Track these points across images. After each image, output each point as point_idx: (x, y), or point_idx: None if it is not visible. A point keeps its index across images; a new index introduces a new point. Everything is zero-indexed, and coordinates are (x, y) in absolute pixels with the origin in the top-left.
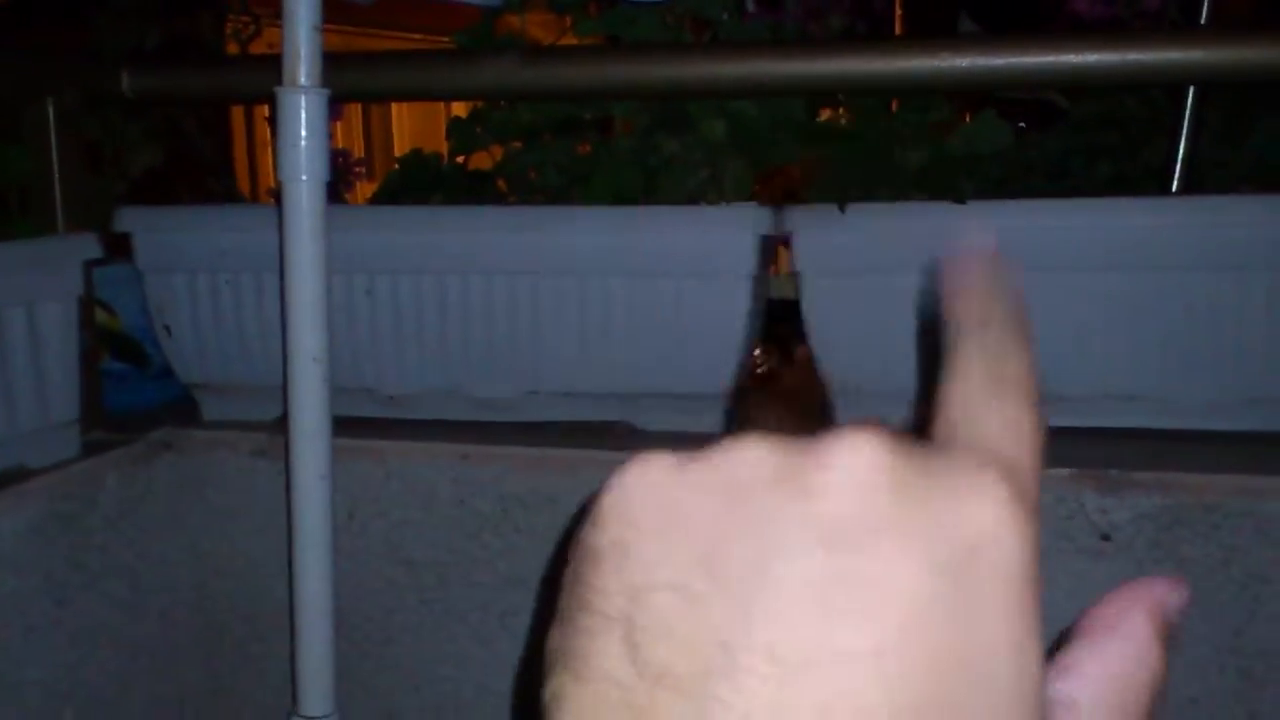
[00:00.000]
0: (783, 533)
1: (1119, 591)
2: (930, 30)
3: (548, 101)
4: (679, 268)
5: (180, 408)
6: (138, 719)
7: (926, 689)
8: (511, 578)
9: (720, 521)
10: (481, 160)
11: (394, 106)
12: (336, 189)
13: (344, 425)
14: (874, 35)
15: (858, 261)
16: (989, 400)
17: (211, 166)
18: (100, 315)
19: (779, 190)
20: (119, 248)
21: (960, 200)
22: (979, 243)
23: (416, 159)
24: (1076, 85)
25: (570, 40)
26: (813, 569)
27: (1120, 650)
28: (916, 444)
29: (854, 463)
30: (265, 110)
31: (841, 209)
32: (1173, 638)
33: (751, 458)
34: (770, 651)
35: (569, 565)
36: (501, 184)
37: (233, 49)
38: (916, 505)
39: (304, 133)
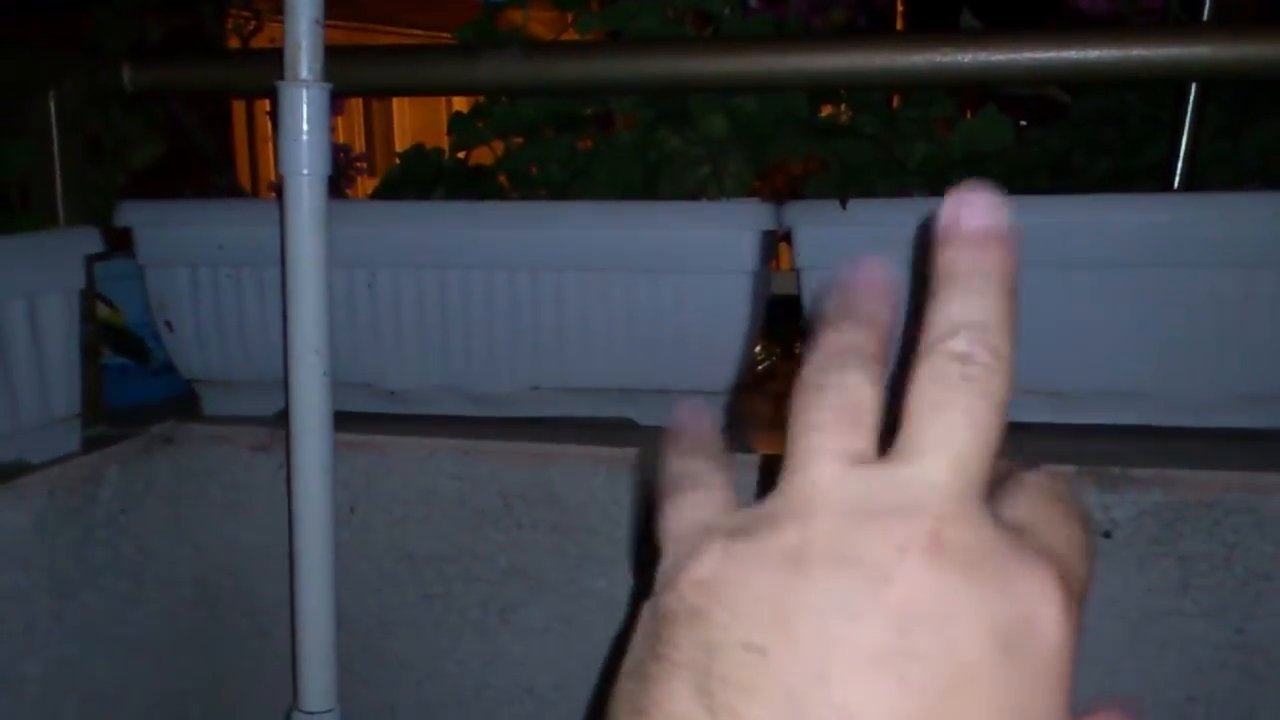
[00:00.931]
0: (853, 607)
1: (1100, 714)
2: (932, 25)
3: (549, 97)
4: (680, 263)
5: (181, 402)
6: (139, 714)
7: None
8: (512, 573)
9: (791, 591)
10: (483, 155)
11: (395, 102)
12: (338, 184)
13: (345, 420)
14: (876, 30)
15: (858, 257)
16: (1055, 516)
17: (213, 161)
18: (101, 310)
19: (780, 186)
20: (120, 242)
21: None
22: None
23: (418, 154)
24: (1078, 81)
25: (571, 36)
26: (881, 641)
27: None
28: (982, 522)
29: (920, 546)
30: (266, 105)
31: (843, 205)
32: None
33: (818, 534)
34: (841, 710)
35: (638, 629)
36: (503, 179)
37: (233, 43)
38: (979, 589)
39: (305, 127)
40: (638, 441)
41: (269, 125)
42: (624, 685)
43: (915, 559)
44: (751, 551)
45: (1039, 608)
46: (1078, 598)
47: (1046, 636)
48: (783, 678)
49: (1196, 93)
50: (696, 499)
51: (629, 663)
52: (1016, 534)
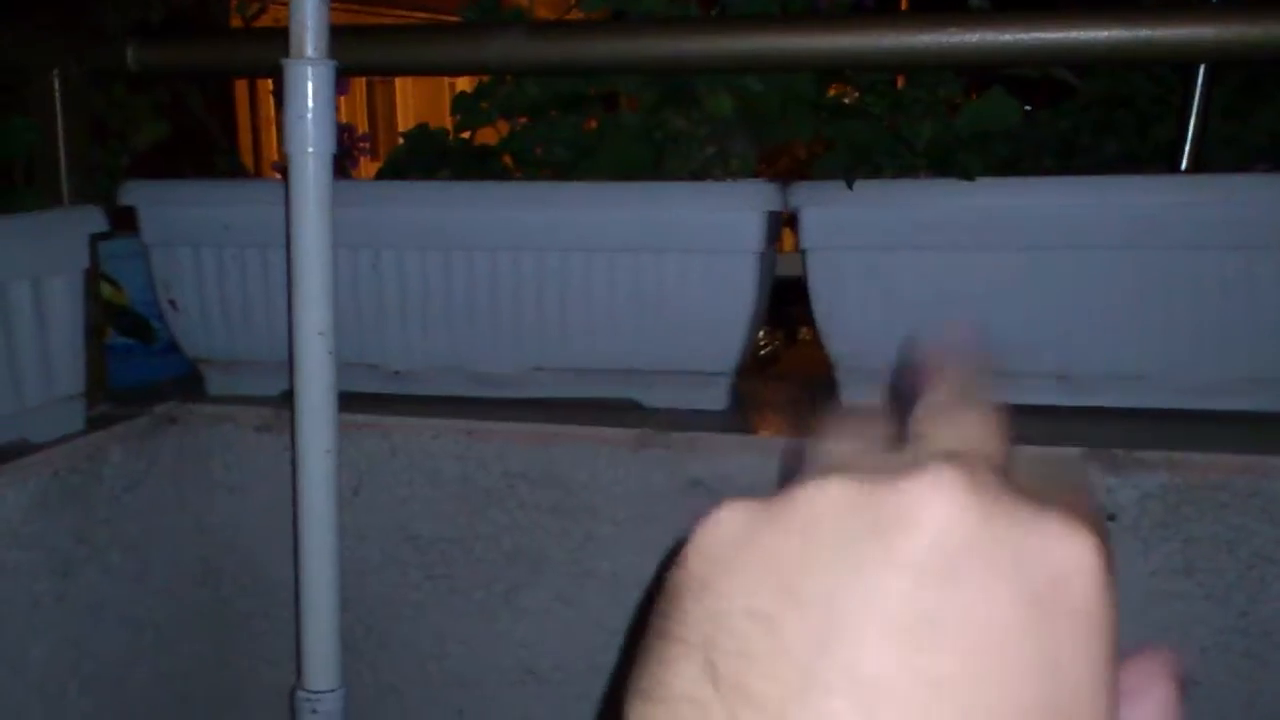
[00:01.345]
0: (865, 563)
1: (1139, 658)
2: (939, 5)
3: (553, 77)
4: (685, 244)
5: (185, 382)
6: (142, 693)
7: (1007, 716)
8: (515, 554)
9: (801, 553)
10: (487, 135)
11: (397, 83)
12: (342, 164)
13: (349, 400)
14: (882, 10)
15: (864, 238)
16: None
17: (216, 141)
18: (105, 289)
19: (785, 169)
20: (124, 222)
21: (968, 177)
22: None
23: (422, 134)
24: (1086, 62)
25: (576, 15)
26: (895, 598)
27: (1151, 713)
28: (996, 479)
29: (937, 499)
30: (269, 86)
31: (849, 185)
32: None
33: (833, 494)
34: (852, 675)
35: (654, 607)
36: (508, 159)
37: (236, 24)
38: (1000, 540)
39: (311, 105)
40: (641, 423)
41: (272, 107)
42: (637, 670)
43: (936, 507)
44: (763, 518)
45: (1072, 558)
46: (1104, 542)
47: (1080, 593)
48: (789, 644)
49: (1204, 74)
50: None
51: (642, 647)
52: (1039, 496)
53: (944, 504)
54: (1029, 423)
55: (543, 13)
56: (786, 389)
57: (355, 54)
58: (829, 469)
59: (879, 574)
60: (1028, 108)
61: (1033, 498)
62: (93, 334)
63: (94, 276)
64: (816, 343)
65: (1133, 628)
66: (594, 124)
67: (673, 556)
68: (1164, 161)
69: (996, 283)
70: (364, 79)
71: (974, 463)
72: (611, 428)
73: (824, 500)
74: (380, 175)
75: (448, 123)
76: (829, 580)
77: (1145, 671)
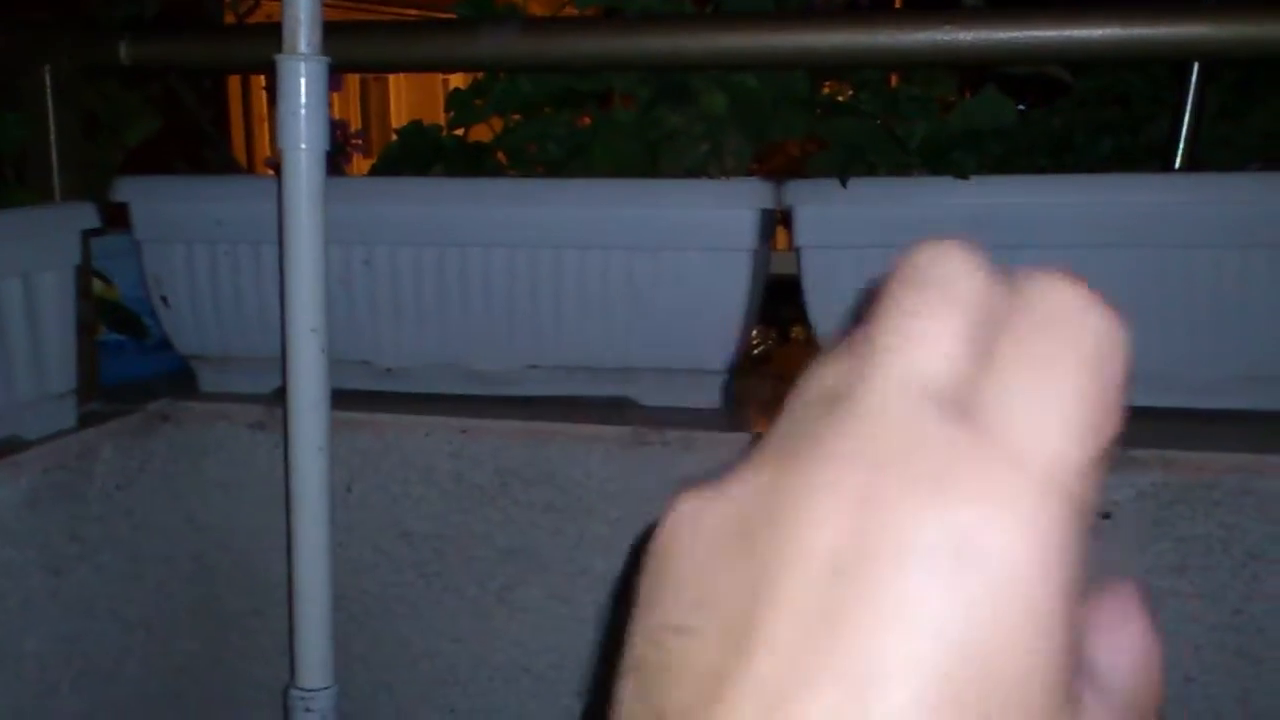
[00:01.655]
0: (777, 563)
1: (1109, 593)
2: (933, 3)
3: (547, 73)
4: (679, 242)
5: (178, 379)
6: (134, 690)
7: (932, 707)
8: (509, 552)
9: (719, 560)
10: (481, 133)
11: (390, 80)
12: (335, 161)
13: (342, 398)
14: (876, 8)
15: (858, 236)
16: (1036, 384)
17: (209, 137)
18: (98, 285)
19: (779, 168)
20: (117, 218)
21: (962, 175)
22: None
23: (416, 130)
24: (1080, 60)
25: (570, 11)
26: (808, 596)
27: (1128, 646)
28: (924, 442)
29: (847, 485)
30: (262, 82)
31: (843, 183)
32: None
33: (752, 487)
34: (761, 678)
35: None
36: (501, 156)
37: (229, 19)
38: (919, 517)
39: (304, 101)
40: (635, 420)
41: (265, 102)
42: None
43: (841, 491)
44: (702, 511)
45: (985, 526)
46: (1062, 499)
47: (1014, 564)
48: (705, 655)
49: (1198, 73)
50: None
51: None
52: (976, 427)
53: (847, 484)
54: None
55: (536, 9)
56: (780, 387)
57: (348, 50)
58: (769, 436)
59: (789, 575)
60: (1022, 106)
61: (970, 427)
62: (84, 330)
63: (86, 273)
64: (810, 341)
65: None
66: (588, 121)
67: (640, 553)
68: (1158, 160)
69: None
70: (357, 75)
71: (893, 391)
72: (605, 425)
73: (745, 496)
74: (373, 172)
75: (441, 119)
76: (742, 586)
77: (1118, 606)
